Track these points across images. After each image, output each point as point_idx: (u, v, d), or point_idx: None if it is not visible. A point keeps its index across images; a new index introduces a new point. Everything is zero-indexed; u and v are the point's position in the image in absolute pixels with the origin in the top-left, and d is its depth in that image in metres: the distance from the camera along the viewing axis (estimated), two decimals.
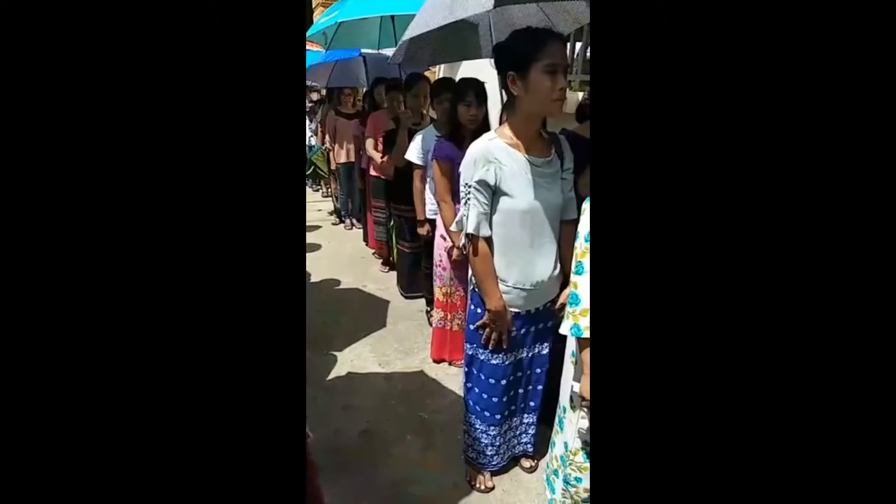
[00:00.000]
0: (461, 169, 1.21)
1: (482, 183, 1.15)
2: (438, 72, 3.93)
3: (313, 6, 6.48)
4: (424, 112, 2.48)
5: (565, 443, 1.19)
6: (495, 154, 1.15)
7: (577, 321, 1.00)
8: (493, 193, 1.17)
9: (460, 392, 1.67)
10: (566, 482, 1.20)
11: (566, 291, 1.27)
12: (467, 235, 1.21)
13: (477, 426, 1.39)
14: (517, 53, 1.09)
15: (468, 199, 1.18)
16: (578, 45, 2.72)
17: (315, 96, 5.62)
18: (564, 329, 1.05)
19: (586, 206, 1.00)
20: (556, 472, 1.25)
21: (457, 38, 1.95)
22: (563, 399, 1.20)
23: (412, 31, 1.49)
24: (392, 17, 2.54)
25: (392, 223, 2.80)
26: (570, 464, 1.18)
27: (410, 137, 2.18)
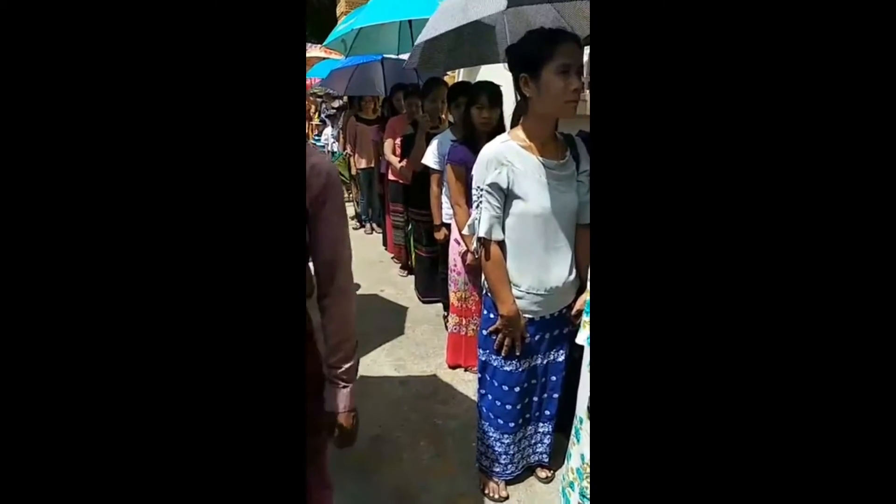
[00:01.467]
0: (474, 171, 1.20)
1: (494, 186, 1.13)
2: (458, 76, 3.93)
3: (337, 14, 6.62)
4: (443, 116, 2.48)
5: (582, 455, 1.15)
6: (508, 156, 1.13)
7: None
8: (506, 196, 1.15)
9: (475, 398, 1.65)
10: (582, 495, 1.16)
11: (582, 298, 1.23)
12: (479, 239, 1.19)
13: (490, 434, 1.37)
14: (529, 54, 1.07)
15: (480, 202, 1.16)
16: None
17: (337, 103, 5.72)
18: (581, 339, 1.01)
19: None
20: (571, 485, 1.21)
21: (472, 42, 1.94)
22: (580, 410, 1.16)
23: (426, 34, 1.49)
24: (409, 21, 2.55)
25: (410, 227, 2.81)
26: (586, 476, 1.14)
27: (428, 141, 2.18)
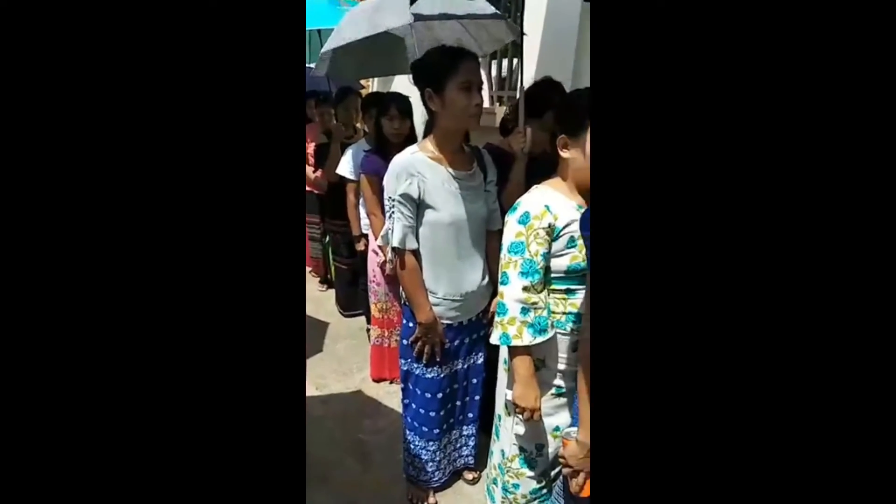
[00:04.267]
0: (384, 182, 1.21)
1: (406, 196, 1.14)
2: (371, 86, 3.92)
3: None
4: (358, 126, 2.45)
5: (502, 450, 1.19)
6: (417, 167, 1.15)
7: (505, 330, 1.01)
8: (418, 206, 1.17)
9: (401, 410, 1.64)
10: (504, 489, 1.21)
11: (496, 300, 1.29)
12: (394, 249, 1.20)
13: (416, 443, 1.37)
14: (433, 71, 1.11)
15: (392, 212, 1.17)
16: (505, 61, 2.83)
17: None
18: (494, 338, 1.06)
19: (509, 217, 1.02)
20: (495, 481, 1.25)
21: (383, 52, 1.96)
22: (499, 407, 1.21)
23: (334, 41, 1.47)
24: (318, 31, 2.50)
25: (328, 239, 2.72)
26: (507, 471, 1.18)
27: (342, 151, 2.15)
